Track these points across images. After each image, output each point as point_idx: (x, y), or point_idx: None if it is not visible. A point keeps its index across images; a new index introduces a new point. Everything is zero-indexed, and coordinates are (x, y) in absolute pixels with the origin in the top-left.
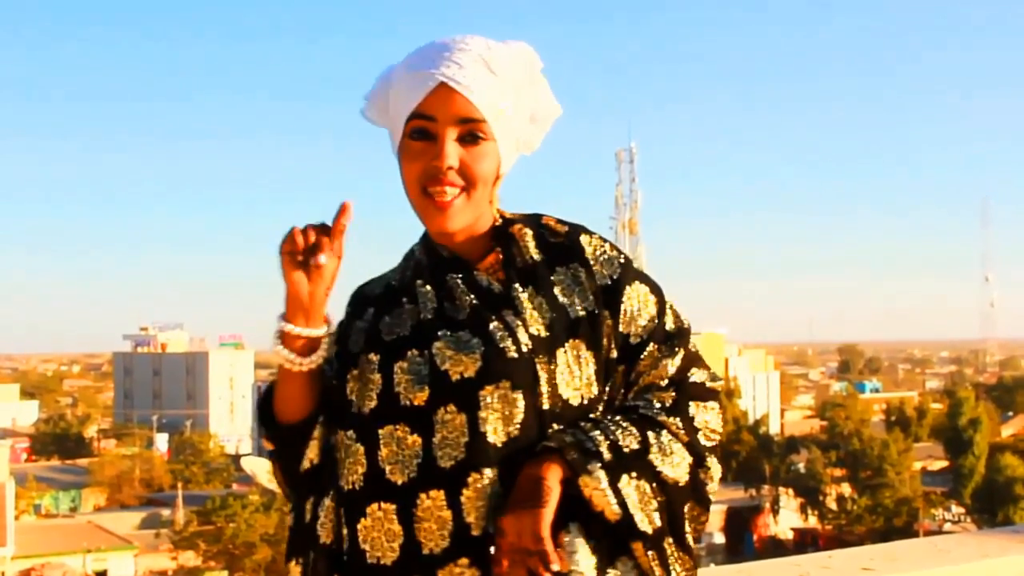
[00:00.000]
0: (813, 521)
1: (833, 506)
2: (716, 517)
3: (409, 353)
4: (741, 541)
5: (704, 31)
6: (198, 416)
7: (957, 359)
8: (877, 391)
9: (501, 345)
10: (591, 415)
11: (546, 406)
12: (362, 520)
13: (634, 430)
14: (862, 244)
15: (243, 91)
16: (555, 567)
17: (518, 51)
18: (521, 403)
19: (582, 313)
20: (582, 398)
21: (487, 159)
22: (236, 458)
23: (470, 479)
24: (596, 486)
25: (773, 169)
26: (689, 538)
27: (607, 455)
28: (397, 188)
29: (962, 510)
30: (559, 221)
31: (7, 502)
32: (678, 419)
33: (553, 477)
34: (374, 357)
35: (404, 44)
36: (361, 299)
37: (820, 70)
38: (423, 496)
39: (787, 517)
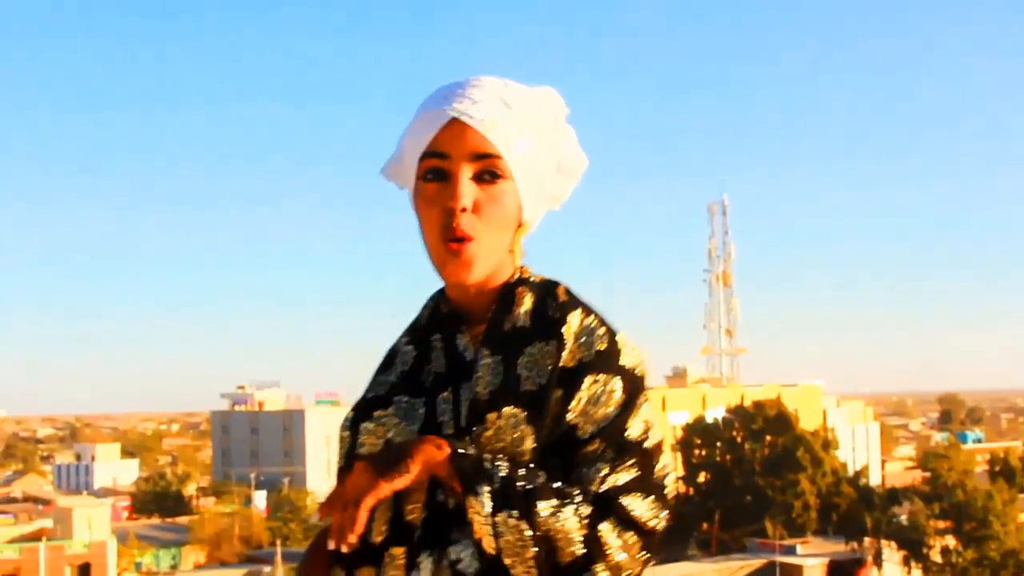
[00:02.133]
0: (917, 574)
1: (938, 559)
2: (818, 571)
3: (376, 413)
4: None
5: (801, 84)
6: (295, 473)
7: None
8: (980, 441)
9: (440, 419)
10: None
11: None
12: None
13: (541, 480)
14: (961, 293)
15: (338, 155)
16: (351, 537)
17: (541, 93)
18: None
19: (533, 387)
20: (510, 469)
21: (505, 198)
22: None
23: (386, 556)
24: (479, 510)
25: (870, 219)
26: None
27: (497, 484)
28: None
29: None
30: (568, 293)
31: (109, 560)
32: (587, 510)
33: (426, 462)
34: (350, 414)
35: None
36: (381, 361)
37: (917, 130)
38: (387, 554)
39: (891, 570)
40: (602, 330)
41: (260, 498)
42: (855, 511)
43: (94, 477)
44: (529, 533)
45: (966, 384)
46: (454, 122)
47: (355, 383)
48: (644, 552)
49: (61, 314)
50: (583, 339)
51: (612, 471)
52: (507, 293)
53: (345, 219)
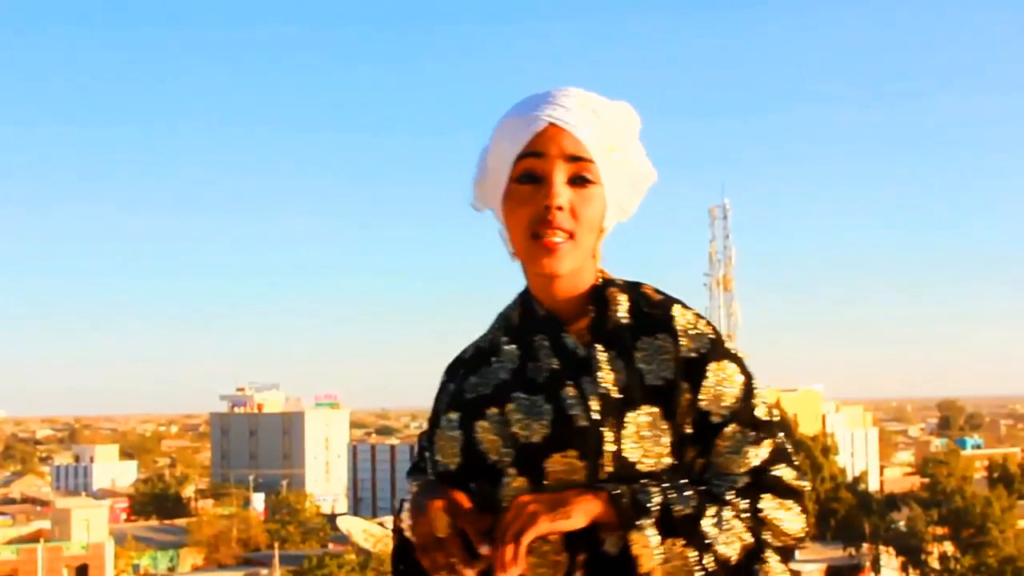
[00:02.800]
0: None
1: (936, 565)
2: None
3: (488, 411)
4: None
5: (799, 87)
6: (294, 476)
7: None
8: (979, 447)
9: (571, 413)
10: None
11: (609, 471)
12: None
13: (693, 496)
14: (961, 298)
15: (337, 159)
16: (509, 571)
17: (621, 107)
18: (583, 473)
19: (659, 382)
20: (654, 466)
21: (595, 203)
22: (332, 518)
23: (533, 544)
24: (644, 544)
25: (870, 224)
26: None
27: (655, 513)
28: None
29: None
30: (657, 291)
31: (107, 562)
32: (745, 503)
33: (586, 510)
34: (453, 415)
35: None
36: (455, 364)
37: (919, 130)
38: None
39: None
40: (703, 321)
41: (258, 500)
42: (853, 517)
43: (93, 478)
44: (695, 555)
45: (966, 390)
46: (549, 127)
47: (355, 386)
48: (804, 512)
49: (61, 315)
50: (692, 331)
51: (753, 450)
52: (599, 294)
53: (346, 223)
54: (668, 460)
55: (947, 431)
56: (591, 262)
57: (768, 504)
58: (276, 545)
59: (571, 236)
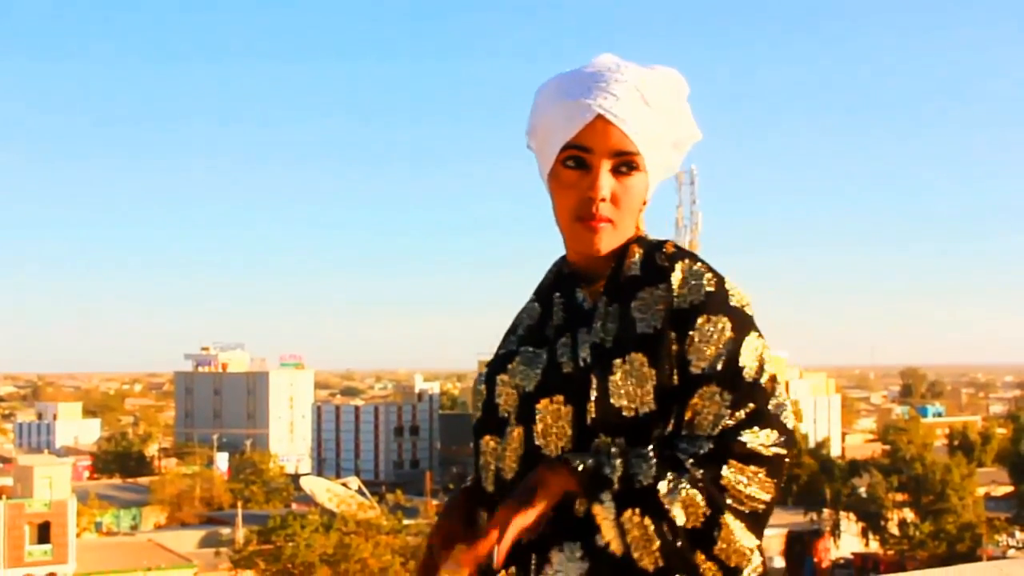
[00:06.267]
0: (874, 546)
1: (895, 531)
2: (776, 541)
3: (509, 366)
4: (801, 565)
5: (770, 55)
6: (258, 436)
7: (1022, 383)
8: (940, 415)
9: (559, 360)
10: (658, 431)
11: (594, 415)
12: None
13: (653, 466)
14: (925, 267)
15: (307, 112)
16: (494, 563)
17: (670, 78)
18: (570, 417)
19: (649, 330)
20: (636, 412)
21: (637, 189)
22: (296, 478)
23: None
24: (605, 516)
25: (835, 191)
26: None
27: (616, 484)
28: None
29: None
30: (676, 247)
31: (69, 520)
32: (701, 471)
33: (555, 486)
34: (485, 370)
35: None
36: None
37: (886, 98)
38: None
39: (848, 542)
40: (709, 275)
41: (222, 460)
42: (815, 482)
43: (55, 436)
44: (653, 527)
45: (928, 358)
46: (598, 117)
47: (320, 347)
48: (771, 478)
49: (24, 271)
50: (692, 283)
51: (726, 411)
52: (622, 250)
53: (313, 181)
54: (650, 408)
55: (909, 399)
56: (632, 234)
57: (729, 471)
58: (239, 504)
59: (612, 222)
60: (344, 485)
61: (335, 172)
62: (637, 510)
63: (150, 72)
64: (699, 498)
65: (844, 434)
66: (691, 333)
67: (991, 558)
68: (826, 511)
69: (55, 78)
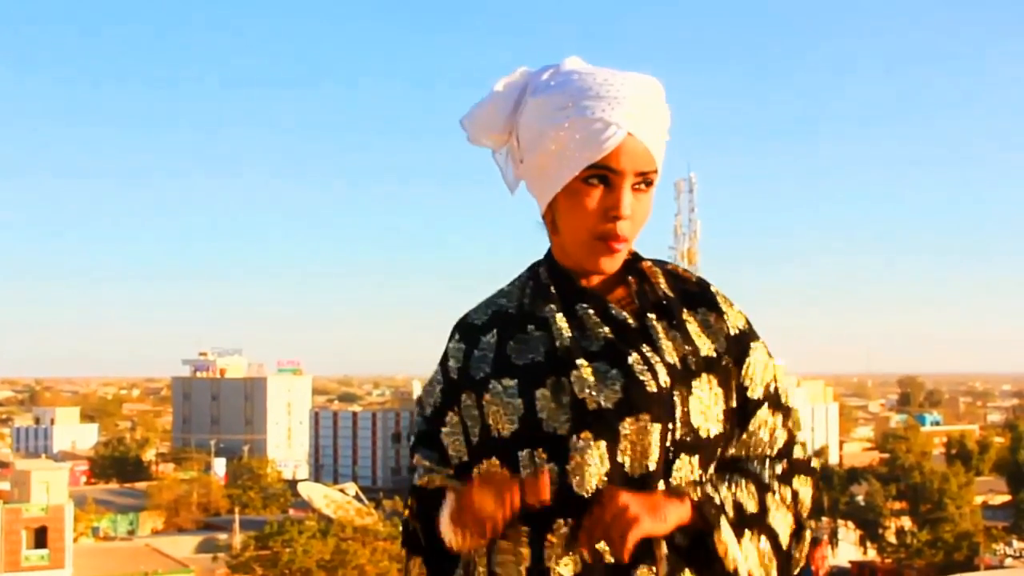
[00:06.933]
0: (872, 554)
1: (893, 539)
2: None
3: (548, 380)
4: (798, 573)
5: (770, 62)
6: (256, 441)
7: (1019, 392)
8: (938, 424)
9: (641, 378)
10: (720, 452)
11: (679, 436)
12: (499, 542)
13: (753, 491)
14: (922, 275)
15: (303, 118)
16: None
17: (660, 87)
18: (656, 436)
19: (713, 353)
20: (709, 432)
21: (650, 204)
22: (293, 483)
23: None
24: (727, 545)
25: (833, 199)
26: None
27: (731, 513)
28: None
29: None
30: (685, 271)
31: (66, 525)
32: (786, 490)
33: (677, 516)
34: (509, 382)
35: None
36: (470, 328)
37: (880, 105)
38: (560, 522)
39: (846, 550)
40: (730, 301)
41: (220, 465)
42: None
43: (53, 441)
44: (768, 546)
45: (926, 367)
46: (626, 136)
47: (318, 353)
48: (816, 488)
49: (23, 276)
50: (734, 310)
51: (781, 432)
52: (635, 267)
53: (309, 189)
54: (720, 428)
55: (907, 407)
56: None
57: (798, 484)
58: (237, 510)
59: (628, 240)
60: (342, 491)
61: (332, 178)
62: (754, 537)
63: (149, 75)
64: (790, 518)
65: (842, 442)
66: (747, 360)
67: (988, 567)
68: (824, 519)
69: (55, 78)
